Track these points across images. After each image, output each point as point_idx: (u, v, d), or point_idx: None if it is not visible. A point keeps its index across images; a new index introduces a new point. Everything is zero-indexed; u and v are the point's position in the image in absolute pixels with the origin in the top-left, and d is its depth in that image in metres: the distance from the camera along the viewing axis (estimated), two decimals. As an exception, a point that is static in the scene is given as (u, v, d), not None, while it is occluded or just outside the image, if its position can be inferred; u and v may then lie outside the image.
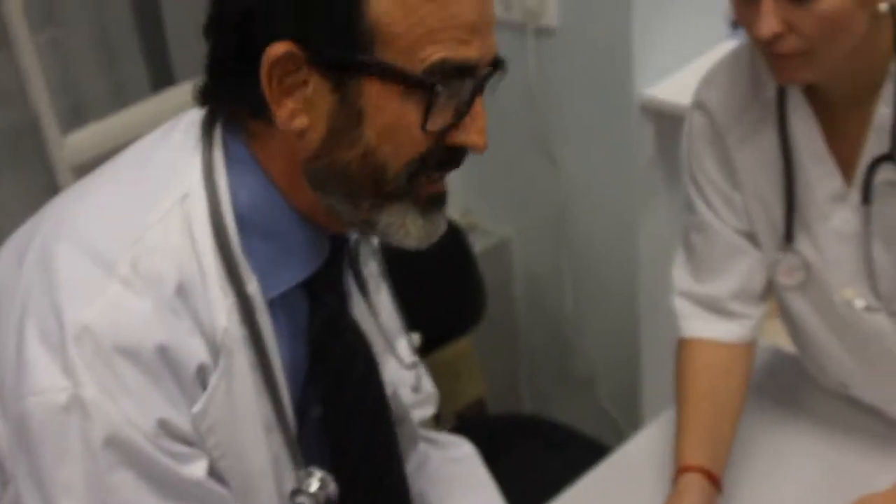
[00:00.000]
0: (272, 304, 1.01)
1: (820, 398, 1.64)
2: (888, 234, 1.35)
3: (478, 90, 0.96)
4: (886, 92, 1.29)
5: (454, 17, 0.91)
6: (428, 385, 1.33)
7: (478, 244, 2.45)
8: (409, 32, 0.91)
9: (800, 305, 1.50)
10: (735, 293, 1.49)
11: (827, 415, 1.61)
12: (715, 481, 1.41)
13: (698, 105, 1.45)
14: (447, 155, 0.97)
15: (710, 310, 1.51)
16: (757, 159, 1.41)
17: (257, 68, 0.91)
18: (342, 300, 1.11)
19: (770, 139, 1.40)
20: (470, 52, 0.93)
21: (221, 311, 0.95)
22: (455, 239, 2.07)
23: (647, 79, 2.20)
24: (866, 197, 1.34)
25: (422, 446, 1.34)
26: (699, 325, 1.52)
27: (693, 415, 1.47)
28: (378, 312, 1.17)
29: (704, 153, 1.45)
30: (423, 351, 1.40)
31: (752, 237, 1.47)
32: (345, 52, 0.91)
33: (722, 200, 1.46)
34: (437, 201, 1.00)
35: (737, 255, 1.48)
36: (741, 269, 1.49)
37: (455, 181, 2.55)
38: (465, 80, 0.94)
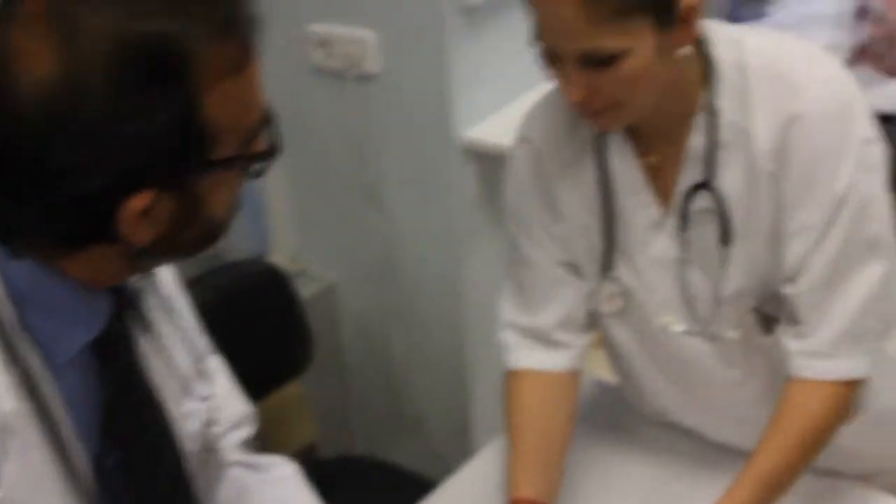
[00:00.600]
0: (63, 370, 1.00)
1: (642, 425, 1.69)
2: (704, 259, 1.40)
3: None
4: (699, 122, 1.35)
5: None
6: (242, 405, 1.35)
7: (306, 289, 2.45)
8: (237, 124, 0.95)
9: (621, 333, 1.55)
10: (560, 323, 1.53)
11: (649, 441, 1.66)
12: None
13: (522, 139, 1.49)
14: None
15: (536, 340, 1.54)
16: (577, 191, 1.46)
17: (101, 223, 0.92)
18: (130, 353, 1.10)
19: (589, 171, 1.44)
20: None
21: (5, 391, 0.95)
22: (280, 284, 2.06)
23: (467, 121, 2.24)
24: (683, 224, 1.39)
25: (238, 472, 1.33)
26: (526, 356, 1.54)
27: (523, 447, 1.49)
28: (170, 353, 1.17)
29: (527, 186, 1.49)
30: (251, 396, 1.40)
31: (574, 267, 1.51)
32: (187, 165, 0.93)
33: (544, 232, 1.50)
34: None
35: (560, 285, 1.52)
36: (565, 300, 1.52)
37: (285, 227, 2.57)
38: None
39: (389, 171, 2.36)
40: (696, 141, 1.36)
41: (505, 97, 2.30)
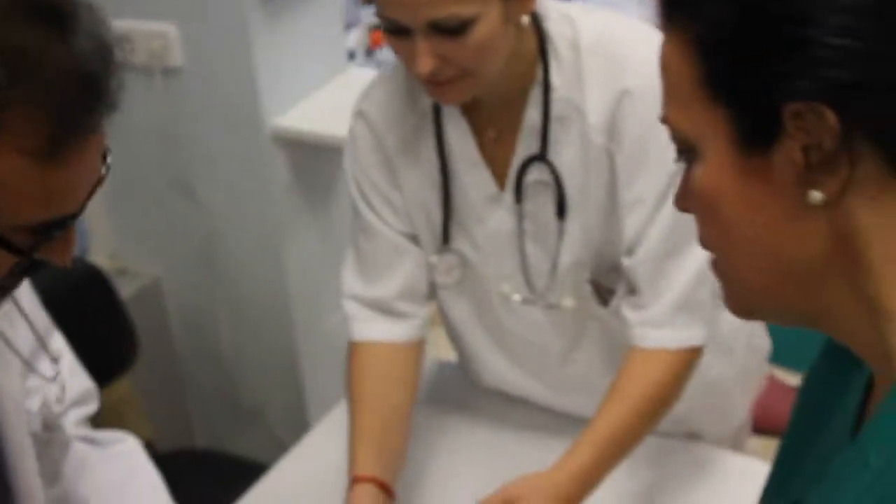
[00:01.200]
0: None
1: (482, 397, 1.72)
2: (541, 231, 1.44)
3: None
4: (534, 96, 1.38)
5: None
6: (84, 381, 1.35)
7: (129, 286, 2.44)
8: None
9: (458, 305, 1.57)
10: (401, 293, 1.53)
11: (490, 412, 1.70)
12: (387, 490, 1.43)
13: (359, 114, 1.50)
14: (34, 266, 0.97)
15: (378, 311, 1.54)
16: (416, 166, 1.48)
17: None
18: None
19: (428, 147, 1.46)
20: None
21: None
22: (100, 283, 2.05)
23: (275, 109, 2.26)
24: (518, 196, 1.43)
25: (80, 447, 1.33)
26: (368, 327, 1.55)
27: (364, 424, 1.48)
28: (8, 331, 1.16)
29: (367, 159, 1.50)
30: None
31: (414, 238, 1.53)
32: None
33: (384, 203, 1.51)
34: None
35: (401, 255, 1.53)
36: (405, 269, 1.53)
37: (102, 226, 2.53)
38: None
39: (202, 163, 2.36)
40: (531, 115, 1.39)
41: (312, 84, 2.33)
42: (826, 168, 0.69)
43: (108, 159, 0.95)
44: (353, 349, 1.56)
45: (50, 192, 0.88)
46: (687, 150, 0.77)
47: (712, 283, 1.37)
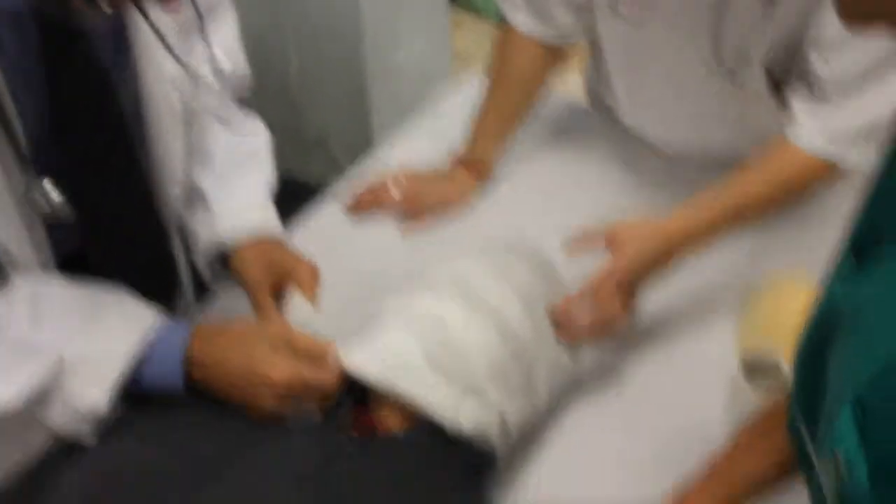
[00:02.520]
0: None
1: (609, 138, 1.73)
2: (745, 8, 1.35)
3: None
4: None
5: None
6: (241, 66, 1.41)
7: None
8: None
9: (614, 27, 1.52)
10: None
11: (615, 154, 1.71)
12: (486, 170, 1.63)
13: None
14: None
15: (533, 10, 1.57)
16: None
17: None
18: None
19: None
20: None
21: None
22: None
23: None
24: None
25: (211, 123, 1.38)
26: (524, 20, 1.59)
27: (494, 102, 1.62)
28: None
29: None
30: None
31: None
32: None
33: None
34: None
35: None
36: None
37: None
38: None
39: None
40: None
41: None
42: None
43: None
44: (507, 32, 1.61)
45: None
46: None
47: None
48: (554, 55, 1.62)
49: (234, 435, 1.09)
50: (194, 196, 1.36)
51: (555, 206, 1.61)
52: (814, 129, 1.34)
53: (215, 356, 1.12)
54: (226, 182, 1.37)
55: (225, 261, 1.34)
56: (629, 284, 1.28)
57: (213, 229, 1.33)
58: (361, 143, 2.58)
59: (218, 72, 1.31)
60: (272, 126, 2.68)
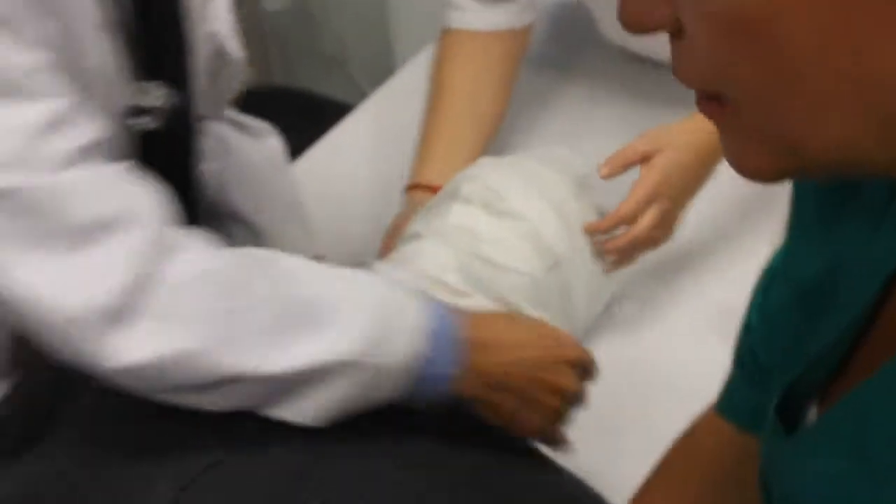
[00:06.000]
0: None
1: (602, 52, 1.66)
2: None
3: None
4: None
5: None
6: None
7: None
8: None
9: None
10: None
11: (607, 68, 1.64)
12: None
13: None
14: None
15: None
16: None
17: None
18: None
19: None
20: None
21: None
22: None
23: None
24: None
25: (227, 131, 1.28)
26: (474, 16, 1.43)
27: (440, 124, 1.39)
28: None
29: None
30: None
31: None
32: None
33: None
34: None
35: None
36: None
37: None
38: None
39: None
40: None
41: None
42: None
43: None
44: (448, 35, 1.45)
45: None
46: None
47: None
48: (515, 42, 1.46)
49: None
50: None
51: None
52: None
53: (499, 335, 0.93)
54: None
55: None
56: (666, 199, 1.22)
57: None
58: (382, 67, 2.51)
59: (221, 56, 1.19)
60: (289, 43, 2.63)
